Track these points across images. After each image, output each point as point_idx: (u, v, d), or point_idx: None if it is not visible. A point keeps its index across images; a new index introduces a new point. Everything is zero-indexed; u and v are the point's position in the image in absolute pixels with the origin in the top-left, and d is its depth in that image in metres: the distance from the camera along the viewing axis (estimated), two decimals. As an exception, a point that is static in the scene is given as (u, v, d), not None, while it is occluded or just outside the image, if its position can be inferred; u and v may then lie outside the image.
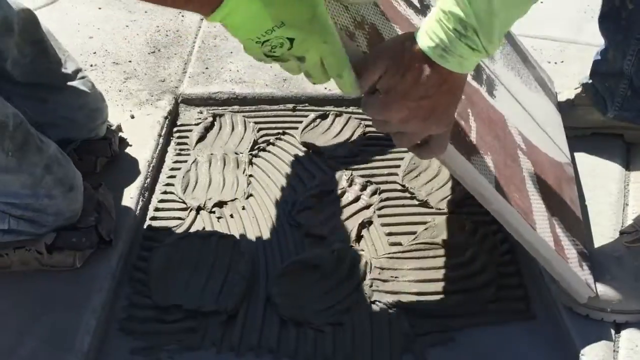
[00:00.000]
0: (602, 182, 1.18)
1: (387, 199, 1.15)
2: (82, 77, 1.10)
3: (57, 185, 0.91)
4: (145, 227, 1.08)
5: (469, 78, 0.95)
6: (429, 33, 0.66)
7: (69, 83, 1.07)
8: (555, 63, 1.61)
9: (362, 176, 1.19)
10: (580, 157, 1.25)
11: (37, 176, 0.88)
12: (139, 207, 1.09)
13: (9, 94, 0.96)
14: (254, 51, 0.69)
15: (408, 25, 0.90)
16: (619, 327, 0.91)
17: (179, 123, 1.35)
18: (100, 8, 1.72)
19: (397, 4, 0.92)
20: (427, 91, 0.68)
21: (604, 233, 1.06)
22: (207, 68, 1.54)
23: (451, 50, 0.65)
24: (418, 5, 0.99)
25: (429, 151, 0.75)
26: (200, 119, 1.34)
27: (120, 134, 1.21)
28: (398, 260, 1.02)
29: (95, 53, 1.53)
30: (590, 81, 1.26)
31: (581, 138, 1.29)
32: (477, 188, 0.83)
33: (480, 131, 0.89)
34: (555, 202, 0.96)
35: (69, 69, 1.08)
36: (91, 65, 1.50)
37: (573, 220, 0.99)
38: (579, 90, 1.28)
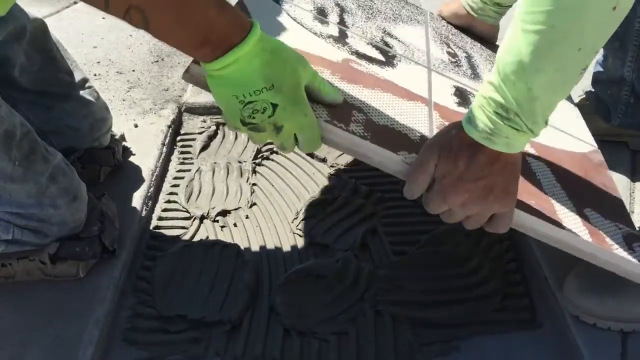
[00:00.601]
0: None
1: (391, 207, 1.14)
2: (89, 87, 1.11)
3: (62, 195, 0.91)
4: (148, 236, 1.08)
5: (455, 107, 0.97)
6: (472, 119, 0.69)
7: (75, 92, 1.08)
8: (559, 70, 1.60)
9: (366, 184, 1.19)
10: (585, 164, 1.24)
11: (42, 185, 0.88)
12: (142, 217, 1.08)
13: (16, 101, 0.97)
14: (233, 114, 0.69)
15: (374, 80, 0.91)
16: (626, 336, 0.90)
17: (182, 132, 1.35)
18: (104, 18, 1.73)
19: (357, 64, 0.94)
20: (481, 172, 0.70)
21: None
22: (210, 77, 1.54)
23: (496, 133, 0.67)
24: (382, 58, 1.00)
25: (494, 229, 0.77)
26: (203, 127, 1.35)
27: (124, 143, 1.21)
28: (402, 269, 1.01)
29: (99, 62, 1.54)
30: (593, 90, 1.25)
31: (586, 145, 1.29)
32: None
33: None
34: (586, 193, 0.94)
35: (76, 78, 1.08)
36: (95, 75, 1.50)
37: (611, 204, 0.96)
38: (582, 98, 1.28)
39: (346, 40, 1.00)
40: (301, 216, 1.11)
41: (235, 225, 1.10)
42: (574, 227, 0.84)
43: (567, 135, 1.09)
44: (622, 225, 0.90)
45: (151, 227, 1.10)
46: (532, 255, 1.04)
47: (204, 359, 0.88)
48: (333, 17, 1.06)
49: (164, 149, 1.26)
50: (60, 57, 1.06)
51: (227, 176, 1.21)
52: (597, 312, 0.89)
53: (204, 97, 1.42)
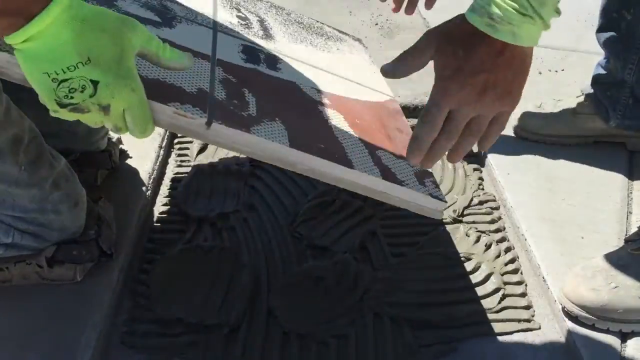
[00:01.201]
0: (605, 190, 1.18)
1: (390, 209, 1.14)
2: None
3: (64, 201, 0.90)
4: (146, 239, 1.07)
5: (242, 63, 0.90)
6: (475, 6, 0.62)
7: None
8: (556, 71, 1.61)
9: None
10: (583, 165, 1.25)
11: (46, 191, 0.88)
12: (140, 220, 1.08)
13: (18, 102, 0.96)
14: (47, 94, 0.60)
15: None
16: (625, 337, 0.90)
17: (179, 134, 1.35)
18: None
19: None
20: (481, 65, 0.63)
21: (607, 241, 1.05)
22: (207, 79, 1.54)
23: (500, 19, 0.60)
24: (158, 19, 0.89)
25: (488, 138, 0.70)
26: (201, 130, 1.34)
27: (120, 146, 1.20)
28: (401, 271, 1.01)
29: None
30: (592, 90, 1.26)
31: (584, 146, 1.29)
32: (272, 154, 0.76)
33: (262, 103, 0.82)
34: (379, 137, 0.92)
35: None
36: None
37: (404, 145, 0.89)
38: (581, 98, 1.28)
39: (114, 3, 0.88)
40: (299, 218, 1.11)
41: (233, 228, 1.10)
42: (365, 167, 0.82)
43: (363, 87, 1.08)
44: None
45: (149, 230, 1.09)
46: (531, 255, 1.04)
47: (202, 362, 0.88)
48: None
49: (161, 152, 1.26)
50: None
51: (225, 179, 1.21)
52: (596, 312, 0.89)
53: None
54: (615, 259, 0.94)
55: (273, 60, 0.97)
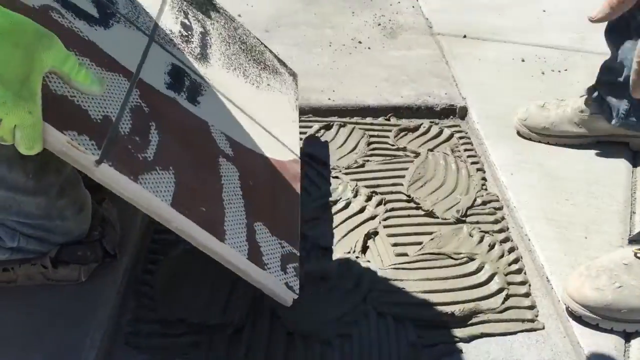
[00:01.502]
0: (608, 190, 1.18)
1: (393, 209, 1.15)
2: None
3: (69, 207, 0.90)
4: (150, 240, 1.07)
5: (162, 88, 0.89)
6: None
7: None
8: (559, 72, 1.61)
9: (367, 187, 1.19)
10: (587, 165, 1.25)
11: (52, 198, 0.88)
12: (143, 221, 1.08)
13: None
14: None
15: (74, 40, 0.79)
16: (629, 337, 0.90)
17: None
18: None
19: (60, 16, 0.80)
20: None
21: (611, 241, 1.05)
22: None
23: None
24: (96, 15, 0.87)
25: None
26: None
27: None
28: (404, 271, 1.01)
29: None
30: (596, 90, 1.26)
31: (587, 146, 1.29)
32: (152, 208, 0.77)
33: (163, 144, 0.82)
34: (264, 206, 0.92)
35: None
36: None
37: (284, 221, 0.94)
38: (584, 98, 1.28)
39: None
40: (303, 219, 1.11)
41: (236, 228, 1.10)
42: (236, 242, 0.82)
43: (275, 139, 1.07)
44: (287, 244, 0.91)
45: (152, 231, 1.09)
46: (535, 255, 1.04)
47: (206, 362, 0.88)
48: None
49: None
50: None
51: (228, 179, 1.20)
52: (599, 312, 0.89)
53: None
54: (619, 259, 0.94)
55: (195, 91, 0.96)
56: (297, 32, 1.83)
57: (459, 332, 0.92)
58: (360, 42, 1.77)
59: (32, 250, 0.91)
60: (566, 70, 1.62)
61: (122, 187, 0.74)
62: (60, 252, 0.93)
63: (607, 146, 1.30)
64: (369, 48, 1.74)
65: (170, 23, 1.02)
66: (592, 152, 1.29)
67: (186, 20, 1.07)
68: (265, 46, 1.29)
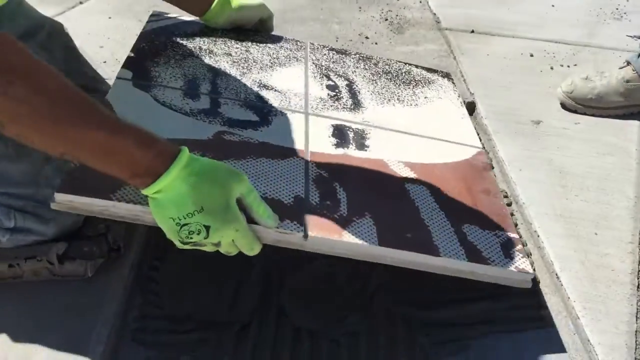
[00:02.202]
0: (618, 186, 1.17)
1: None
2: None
3: (57, 175, 0.91)
4: (156, 235, 1.07)
5: (332, 150, 1.00)
6: None
7: (103, 86, 1.10)
8: (568, 67, 1.59)
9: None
10: (595, 161, 1.23)
11: (37, 164, 0.88)
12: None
13: None
14: (172, 234, 0.75)
15: (247, 148, 0.94)
16: (638, 334, 0.89)
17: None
18: (110, 17, 1.73)
19: (230, 135, 0.96)
20: None
21: (622, 238, 1.04)
22: (217, 76, 1.53)
23: None
24: (256, 119, 1.02)
25: None
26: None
27: None
28: (413, 269, 1.00)
29: (105, 62, 1.53)
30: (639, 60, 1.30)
31: (596, 143, 1.28)
32: (364, 253, 0.85)
33: (352, 196, 0.91)
34: (465, 208, 0.97)
35: (99, 75, 1.09)
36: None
37: (491, 212, 0.98)
38: (624, 70, 1.32)
39: (218, 110, 1.02)
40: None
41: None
42: (451, 251, 0.87)
43: (451, 143, 1.12)
44: (501, 231, 0.94)
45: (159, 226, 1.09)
46: (544, 252, 1.03)
47: (213, 359, 0.87)
48: (205, 87, 1.07)
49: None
50: (82, 55, 1.07)
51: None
52: None
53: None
54: None
55: (361, 138, 1.06)
56: (304, 28, 1.82)
57: (467, 330, 0.92)
58: (367, 38, 1.76)
59: (31, 230, 0.91)
60: (575, 65, 1.60)
61: (331, 248, 0.85)
62: (67, 248, 0.92)
63: (615, 142, 1.28)
64: (376, 43, 1.73)
65: (317, 91, 1.16)
66: (603, 147, 1.27)
67: (330, 82, 1.20)
68: (409, 64, 1.38)
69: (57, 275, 0.93)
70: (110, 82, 1.45)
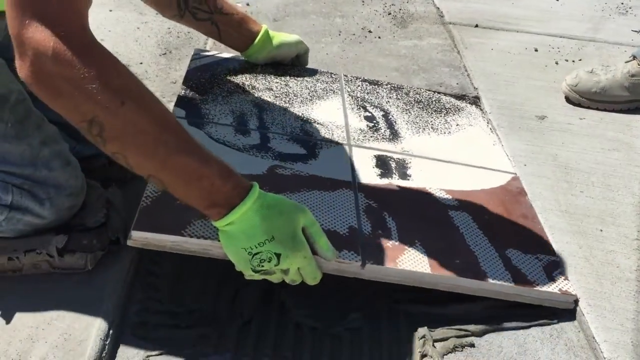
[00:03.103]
0: (624, 182, 1.16)
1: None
2: None
3: (55, 158, 0.91)
4: (157, 230, 1.06)
5: (377, 180, 1.05)
6: None
7: None
8: (573, 61, 1.58)
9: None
10: (601, 156, 1.22)
11: (35, 148, 0.89)
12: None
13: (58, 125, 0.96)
14: (244, 264, 0.80)
15: (300, 181, 1.00)
16: (645, 332, 0.88)
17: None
18: (111, 10, 1.72)
19: (282, 169, 1.02)
20: None
21: (627, 234, 1.04)
22: (219, 69, 1.52)
23: None
24: (304, 152, 1.08)
25: None
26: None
27: None
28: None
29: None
30: None
31: (601, 139, 1.27)
32: (417, 280, 0.89)
33: (401, 225, 0.96)
34: (507, 233, 1.01)
35: None
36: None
37: (530, 236, 1.02)
38: (630, 64, 1.31)
39: (268, 144, 1.08)
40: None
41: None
42: (498, 275, 0.91)
43: (486, 170, 1.16)
44: (543, 254, 0.98)
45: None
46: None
47: (214, 354, 0.86)
48: (253, 122, 1.14)
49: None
50: None
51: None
52: None
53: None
54: None
55: (403, 168, 1.11)
56: (306, 21, 1.81)
57: (471, 327, 0.91)
58: (370, 32, 1.75)
59: (28, 208, 0.90)
60: (580, 60, 1.59)
61: (387, 275, 0.89)
62: (67, 240, 0.91)
63: (622, 138, 1.27)
64: (379, 37, 1.72)
65: (356, 122, 1.22)
66: (608, 143, 1.26)
67: (367, 113, 1.26)
68: (437, 92, 1.43)
69: (56, 268, 0.93)
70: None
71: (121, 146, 0.71)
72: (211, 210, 0.77)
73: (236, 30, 1.23)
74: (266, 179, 0.98)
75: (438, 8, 1.89)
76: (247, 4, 1.91)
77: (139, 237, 0.84)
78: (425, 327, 0.90)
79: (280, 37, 1.29)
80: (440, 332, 0.90)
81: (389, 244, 0.92)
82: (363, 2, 1.95)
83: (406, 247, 0.92)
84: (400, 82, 1.48)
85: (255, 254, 0.78)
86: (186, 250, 0.86)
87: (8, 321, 0.87)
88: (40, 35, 0.66)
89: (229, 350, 0.87)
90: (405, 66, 1.54)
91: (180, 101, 1.15)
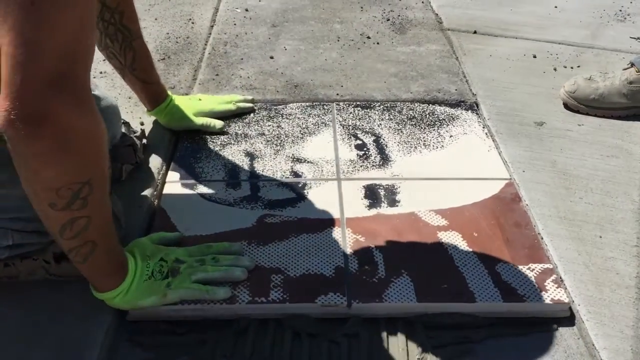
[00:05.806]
0: (623, 188, 1.15)
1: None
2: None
3: None
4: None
5: (365, 212, 1.06)
6: None
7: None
8: (572, 68, 1.58)
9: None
10: (600, 163, 1.22)
11: None
12: (149, 215, 1.06)
13: None
14: (158, 291, 0.88)
15: (288, 227, 1.03)
16: (645, 339, 0.88)
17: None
18: (110, 15, 1.71)
19: (272, 217, 1.06)
20: None
21: (627, 241, 1.03)
22: (217, 75, 1.52)
23: None
24: (294, 195, 1.11)
25: None
26: (210, 126, 1.33)
27: (144, 140, 1.19)
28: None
29: (104, 60, 1.52)
30: None
31: (599, 145, 1.27)
32: (404, 311, 0.91)
33: (388, 257, 0.97)
34: (496, 246, 1.01)
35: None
36: (101, 73, 1.49)
37: (522, 246, 1.01)
38: (628, 71, 1.31)
39: (258, 194, 1.11)
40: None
41: (243, 224, 1.09)
42: (487, 294, 0.92)
43: (479, 180, 1.16)
44: (534, 264, 0.98)
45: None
46: (548, 254, 1.02)
47: (211, 361, 0.86)
48: (244, 173, 1.17)
49: (171, 147, 1.24)
50: None
51: (235, 175, 1.19)
52: None
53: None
54: None
55: (392, 194, 1.12)
56: (305, 27, 1.81)
57: (470, 333, 0.90)
58: (368, 37, 1.75)
59: (33, 243, 0.89)
60: (579, 66, 1.59)
61: (373, 311, 0.90)
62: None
63: (621, 144, 1.27)
64: (377, 43, 1.72)
65: (346, 153, 1.23)
66: (607, 149, 1.26)
67: (358, 141, 1.27)
68: (432, 102, 1.43)
69: (53, 274, 0.92)
70: (110, 78, 1.44)
71: (97, 212, 0.77)
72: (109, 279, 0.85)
73: (139, 94, 1.24)
74: (254, 231, 1.02)
75: (437, 14, 1.90)
76: (247, 9, 1.91)
77: (137, 313, 0.89)
78: (424, 333, 0.89)
79: (193, 108, 1.29)
80: (438, 338, 0.89)
81: (375, 279, 0.93)
82: (362, 8, 1.95)
83: (392, 280, 0.93)
84: (399, 87, 1.48)
85: (151, 275, 0.88)
86: (182, 317, 0.90)
87: (4, 328, 0.86)
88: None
89: (226, 356, 0.86)
90: (403, 72, 1.54)
91: (176, 165, 1.19)
